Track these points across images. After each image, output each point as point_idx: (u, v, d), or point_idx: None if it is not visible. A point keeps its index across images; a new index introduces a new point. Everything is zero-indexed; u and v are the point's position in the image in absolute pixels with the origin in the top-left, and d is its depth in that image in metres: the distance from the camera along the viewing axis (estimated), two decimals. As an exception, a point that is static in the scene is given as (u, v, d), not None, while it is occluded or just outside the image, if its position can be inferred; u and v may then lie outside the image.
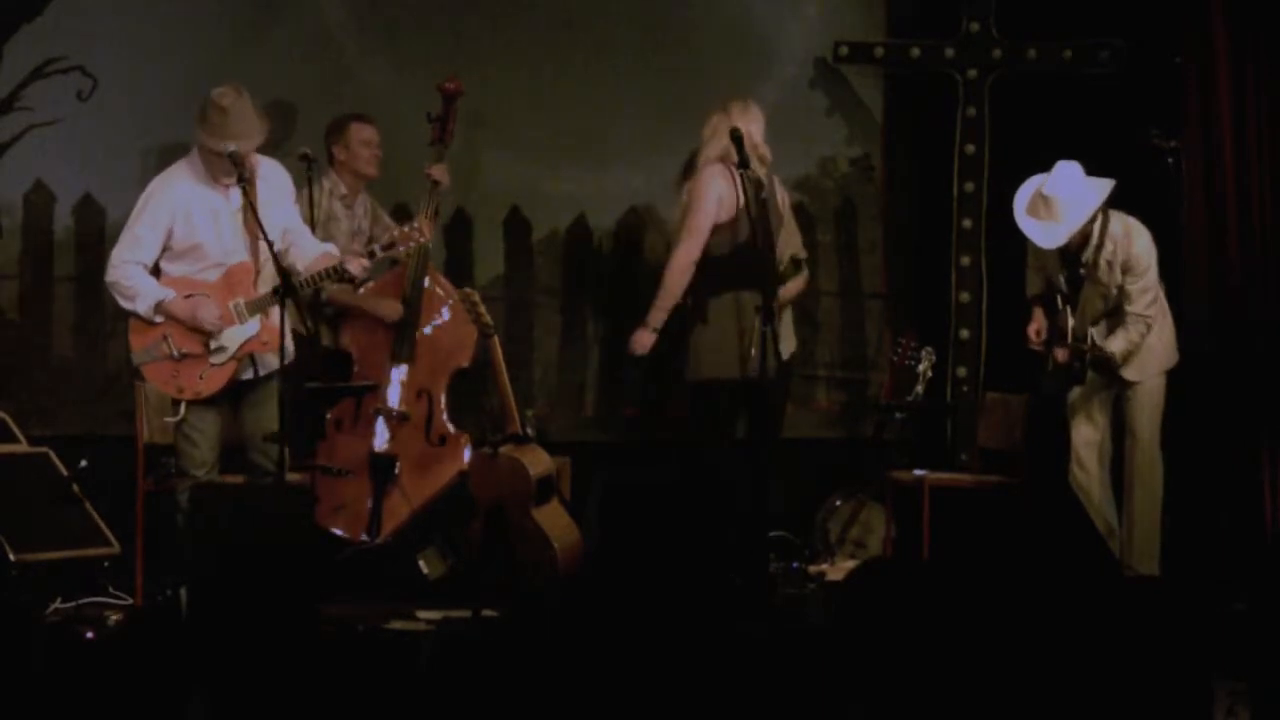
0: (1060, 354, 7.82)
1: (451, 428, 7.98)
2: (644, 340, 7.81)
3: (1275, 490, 8.26)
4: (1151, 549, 7.80)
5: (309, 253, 7.30)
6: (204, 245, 7.13)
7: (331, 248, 7.45)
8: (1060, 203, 7.65)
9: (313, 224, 7.63)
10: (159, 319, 7.13)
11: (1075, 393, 7.90)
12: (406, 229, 7.33)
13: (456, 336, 8.01)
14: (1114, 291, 7.79)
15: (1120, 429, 7.92)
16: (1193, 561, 7.90)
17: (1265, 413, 8.26)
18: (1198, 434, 8.18)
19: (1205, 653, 5.01)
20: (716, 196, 7.64)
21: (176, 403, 7.19)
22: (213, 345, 7.12)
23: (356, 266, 7.24)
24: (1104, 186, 7.70)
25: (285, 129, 8.21)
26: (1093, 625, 4.88)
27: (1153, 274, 7.78)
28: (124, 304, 7.19)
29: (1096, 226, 7.72)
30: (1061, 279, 7.87)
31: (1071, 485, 7.87)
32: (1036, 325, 8.00)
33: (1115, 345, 7.74)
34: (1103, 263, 7.75)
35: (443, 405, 7.97)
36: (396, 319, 7.95)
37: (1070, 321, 7.83)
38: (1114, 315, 7.82)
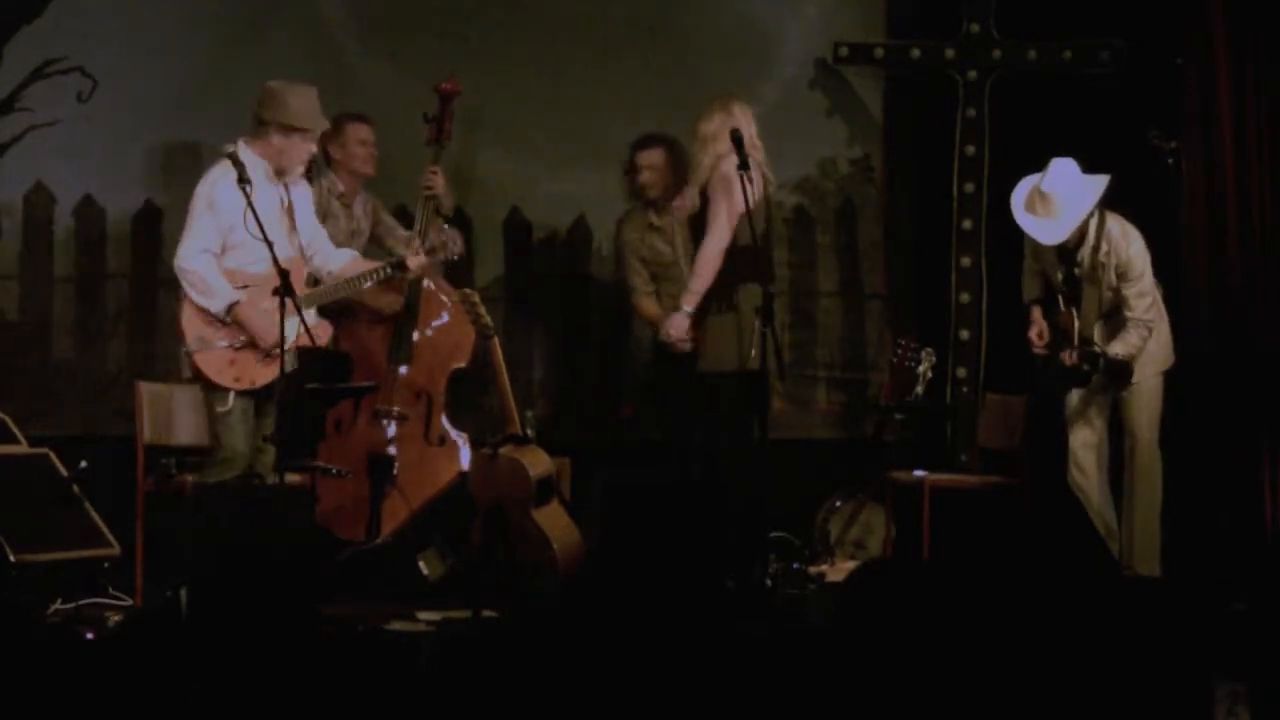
0: (1067, 356, 7.81)
1: (451, 429, 7.98)
2: (680, 324, 7.86)
3: (1275, 490, 8.26)
4: (1151, 549, 7.80)
5: (332, 260, 7.50)
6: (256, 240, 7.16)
7: (356, 255, 7.60)
8: (1058, 199, 7.65)
9: (312, 223, 7.67)
10: (229, 320, 7.16)
11: (1073, 395, 7.89)
12: (444, 239, 7.80)
13: (455, 337, 8.01)
14: (1109, 292, 7.79)
15: (1118, 430, 7.92)
16: (1193, 561, 7.90)
17: (1265, 413, 8.25)
18: (1198, 434, 8.17)
19: (1205, 653, 5.02)
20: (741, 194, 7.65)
21: (225, 394, 7.22)
22: None
23: (415, 263, 7.52)
24: (1100, 182, 7.70)
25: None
26: (1093, 626, 4.88)
27: (1148, 278, 7.78)
28: (194, 296, 7.22)
29: (1093, 224, 7.73)
30: (1060, 277, 7.87)
31: (1070, 486, 7.87)
32: (1038, 329, 7.98)
33: (1117, 350, 7.74)
34: (1099, 262, 7.75)
35: (442, 406, 7.97)
36: (394, 311, 7.96)
37: (1076, 323, 7.83)
38: (1111, 317, 7.82)
